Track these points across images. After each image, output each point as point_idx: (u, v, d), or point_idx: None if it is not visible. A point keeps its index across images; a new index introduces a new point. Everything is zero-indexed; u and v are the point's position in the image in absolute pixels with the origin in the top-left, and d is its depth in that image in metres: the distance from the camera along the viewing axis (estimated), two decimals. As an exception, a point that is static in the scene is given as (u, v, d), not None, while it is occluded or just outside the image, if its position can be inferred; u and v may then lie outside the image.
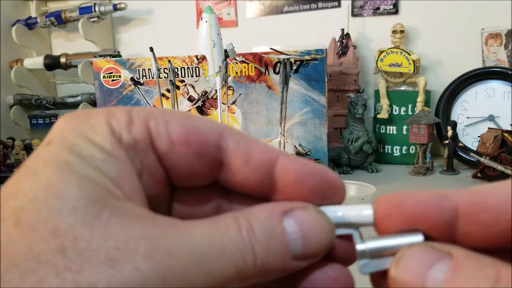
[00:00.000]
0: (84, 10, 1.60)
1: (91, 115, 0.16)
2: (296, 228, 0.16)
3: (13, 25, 1.68)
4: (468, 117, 1.28)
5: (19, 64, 1.70)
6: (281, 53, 1.09)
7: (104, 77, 1.19)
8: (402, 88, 1.32)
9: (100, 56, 1.50)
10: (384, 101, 1.29)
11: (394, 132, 1.30)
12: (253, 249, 0.16)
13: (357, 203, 0.18)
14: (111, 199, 0.15)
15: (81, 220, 0.14)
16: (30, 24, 1.71)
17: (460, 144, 1.22)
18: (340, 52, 1.37)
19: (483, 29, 1.31)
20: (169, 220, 0.15)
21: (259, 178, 0.18)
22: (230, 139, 0.18)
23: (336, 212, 0.18)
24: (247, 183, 0.18)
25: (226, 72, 0.98)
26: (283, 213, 0.17)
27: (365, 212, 0.18)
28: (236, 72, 1.14)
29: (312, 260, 0.17)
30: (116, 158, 0.16)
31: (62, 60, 1.65)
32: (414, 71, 1.27)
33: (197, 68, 1.16)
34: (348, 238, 0.18)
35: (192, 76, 1.16)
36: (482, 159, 1.08)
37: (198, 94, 1.17)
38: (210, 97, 1.17)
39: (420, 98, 1.25)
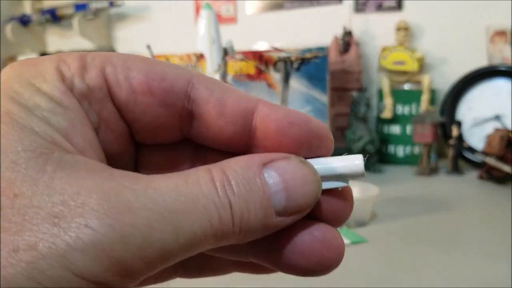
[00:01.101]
0: (80, 7, 1.58)
1: (39, 62, 0.15)
2: (278, 179, 0.15)
3: (8, 22, 1.67)
4: (474, 117, 1.26)
5: (13, 62, 1.69)
6: (282, 51, 1.07)
7: (99, 75, 1.17)
8: (406, 86, 1.30)
9: (96, 53, 1.48)
10: (388, 100, 1.27)
11: (398, 132, 1.28)
12: (229, 203, 0.14)
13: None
14: (57, 152, 0.13)
15: (21, 175, 0.12)
16: (25, 21, 1.70)
17: (466, 144, 1.20)
18: (342, 50, 1.35)
19: (488, 27, 1.29)
20: (128, 173, 0.13)
21: (236, 130, 0.16)
22: (201, 86, 0.16)
23: (321, 163, 0.16)
24: (223, 137, 0.16)
25: (225, 70, 0.96)
26: (262, 164, 0.15)
27: (355, 162, 0.16)
28: (236, 71, 1.12)
29: (297, 215, 0.15)
30: (66, 107, 0.14)
31: (58, 58, 1.63)
32: (418, 69, 1.25)
33: (195, 66, 1.14)
34: (337, 194, 0.16)
35: (190, 75, 1.14)
36: (488, 160, 1.06)
37: (197, 93, 1.15)
38: (208, 96, 1.15)
39: (425, 97, 1.23)
